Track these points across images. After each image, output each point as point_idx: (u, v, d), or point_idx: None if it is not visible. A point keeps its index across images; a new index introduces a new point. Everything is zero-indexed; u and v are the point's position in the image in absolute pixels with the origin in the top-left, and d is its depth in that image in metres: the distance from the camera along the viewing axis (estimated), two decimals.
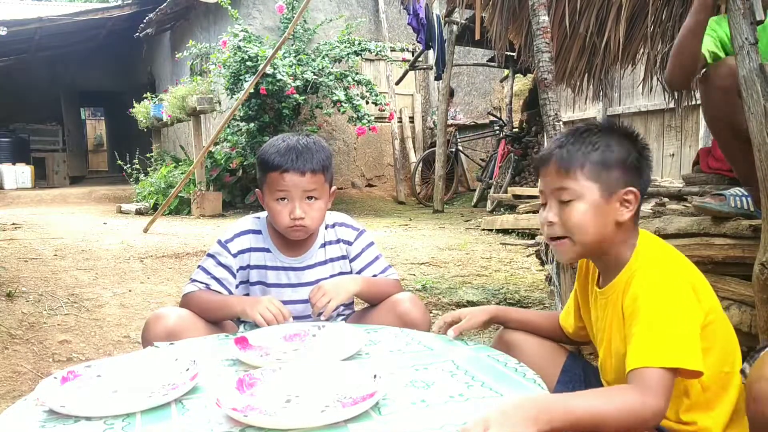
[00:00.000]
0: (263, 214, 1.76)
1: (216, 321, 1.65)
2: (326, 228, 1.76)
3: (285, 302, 1.66)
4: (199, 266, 1.71)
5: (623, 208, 1.20)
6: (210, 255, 1.70)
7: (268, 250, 1.71)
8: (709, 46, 1.84)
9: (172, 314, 1.56)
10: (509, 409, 0.92)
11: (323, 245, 1.74)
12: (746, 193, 1.78)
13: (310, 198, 1.62)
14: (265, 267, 1.71)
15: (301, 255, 1.72)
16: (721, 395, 1.16)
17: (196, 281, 1.67)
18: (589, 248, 1.24)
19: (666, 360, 1.04)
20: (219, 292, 1.66)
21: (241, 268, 1.71)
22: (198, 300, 1.63)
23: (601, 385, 1.33)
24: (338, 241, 1.76)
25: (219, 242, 1.71)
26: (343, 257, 1.76)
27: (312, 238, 1.73)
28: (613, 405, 0.99)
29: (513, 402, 0.94)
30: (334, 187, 1.72)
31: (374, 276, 1.73)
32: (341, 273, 1.75)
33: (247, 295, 1.73)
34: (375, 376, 1.07)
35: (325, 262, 1.73)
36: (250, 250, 1.71)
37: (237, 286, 1.71)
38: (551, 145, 1.27)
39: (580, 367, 1.44)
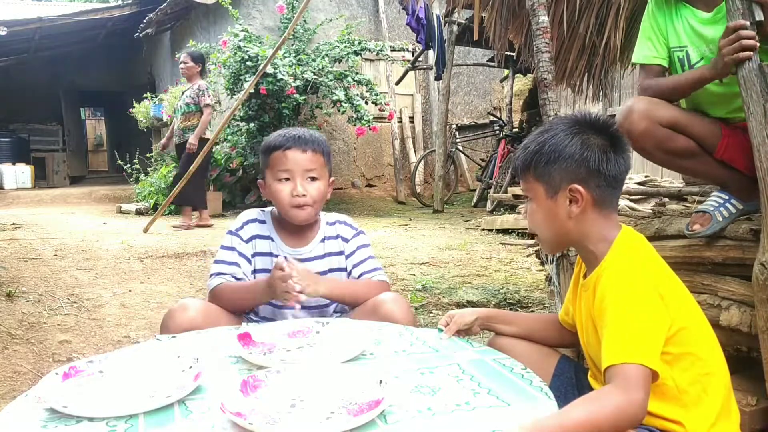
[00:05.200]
0: (268, 207, 1.84)
1: (244, 311, 1.70)
2: (328, 224, 1.82)
3: None
4: (216, 261, 1.76)
5: (573, 205, 1.22)
6: (225, 247, 1.76)
7: (271, 239, 1.78)
8: (652, 54, 1.82)
9: (196, 306, 1.60)
10: None
11: (323, 240, 1.80)
12: (727, 196, 1.77)
13: (311, 179, 1.70)
14: (270, 254, 1.76)
15: (302, 246, 1.77)
16: (702, 398, 1.16)
17: (221, 273, 1.71)
18: (556, 244, 1.32)
19: (639, 356, 1.05)
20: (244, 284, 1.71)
21: (252, 254, 1.77)
22: (227, 292, 1.67)
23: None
24: (337, 236, 1.82)
25: (230, 232, 1.78)
26: (340, 252, 1.81)
27: (314, 231, 1.80)
28: (603, 410, 0.99)
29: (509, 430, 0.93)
30: (333, 178, 1.81)
31: (363, 273, 1.77)
32: (339, 269, 1.80)
33: None
34: (381, 382, 1.05)
35: (323, 256, 1.78)
36: (256, 237, 1.78)
37: (252, 273, 1.77)
38: (520, 147, 1.32)
39: (571, 369, 1.43)
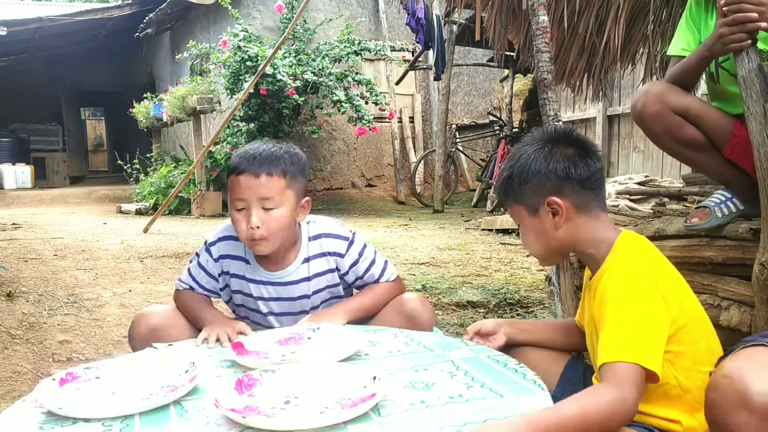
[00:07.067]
0: None
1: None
2: (310, 240, 1.65)
3: (273, 314, 1.67)
4: (188, 267, 1.71)
5: (556, 216, 1.24)
6: (197, 261, 1.69)
7: (247, 262, 1.65)
8: (681, 46, 1.81)
9: (156, 312, 1.62)
10: (498, 428, 0.92)
11: (306, 260, 1.64)
12: (730, 195, 1.76)
13: (267, 208, 1.50)
14: (244, 278, 1.65)
15: (282, 270, 1.63)
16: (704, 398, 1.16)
17: (182, 281, 1.70)
18: (554, 257, 1.36)
19: (634, 356, 1.06)
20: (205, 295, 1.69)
21: (222, 273, 1.68)
22: (182, 301, 1.67)
23: None
24: (324, 254, 1.65)
25: (205, 244, 1.70)
26: (331, 270, 1.67)
27: (294, 250, 1.64)
28: (594, 407, 1.00)
29: (501, 423, 0.94)
30: (306, 199, 1.61)
31: (375, 281, 1.69)
32: (327, 287, 1.69)
33: (230, 300, 1.73)
34: (374, 378, 1.06)
35: (309, 278, 1.65)
36: (228, 257, 1.66)
37: (222, 289, 1.70)
38: (498, 175, 1.35)
39: (580, 370, 1.44)
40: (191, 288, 1.68)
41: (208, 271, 1.67)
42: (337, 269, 1.68)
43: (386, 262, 1.74)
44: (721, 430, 0.97)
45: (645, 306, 1.11)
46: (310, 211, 1.67)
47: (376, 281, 1.70)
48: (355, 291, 1.78)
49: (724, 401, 0.94)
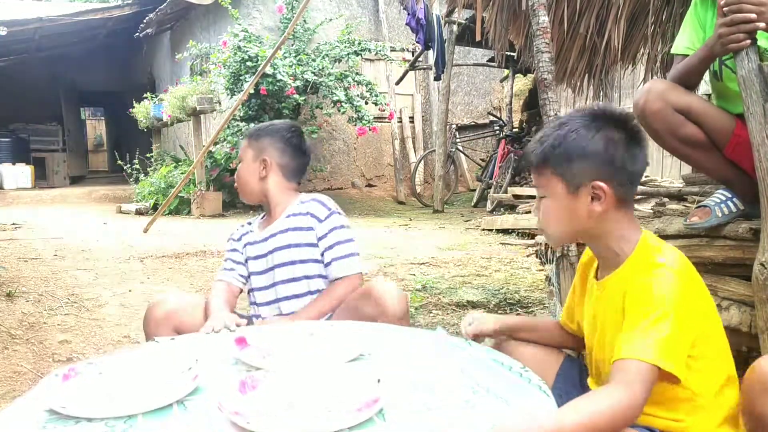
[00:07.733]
0: None
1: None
2: (300, 203, 1.89)
3: (255, 273, 1.88)
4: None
5: (595, 202, 1.18)
6: (228, 249, 2.00)
7: (252, 231, 1.96)
8: (684, 45, 1.81)
9: (170, 299, 1.79)
10: None
11: (289, 216, 1.88)
12: (730, 195, 1.75)
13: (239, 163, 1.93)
14: (247, 243, 1.96)
15: (267, 227, 1.90)
16: (713, 401, 1.16)
17: (224, 268, 1.95)
18: (567, 239, 1.33)
19: (649, 355, 1.04)
20: (238, 282, 1.94)
21: (244, 246, 1.96)
22: (212, 292, 1.85)
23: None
24: (306, 213, 1.86)
25: (229, 237, 2.01)
26: (308, 228, 1.85)
27: (281, 208, 1.89)
28: (603, 408, 0.99)
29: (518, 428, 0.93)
30: (263, 157, 1.87)
31: (333, 260, 1.82)
32: (306, 244, 1.83)
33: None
34: (378, 381, 1.06)
35: (285, 231, 1.86)
36: (244, 234, 1.98)
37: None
38: (534, 140, 1.27)
39: (576, 369, 1.44)
40: (227, 273, 1.93)
41: (238, 250, 1.95)
42: (314, 230, 1.85)
43: (356, 254, 1.85)
44: (752, 415, 1.09)
45: (673, 309, 1.09)
46: (273, 173, 1.89)
47: (335, 260, 1.82)
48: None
49: (752, 390, 1.08)
